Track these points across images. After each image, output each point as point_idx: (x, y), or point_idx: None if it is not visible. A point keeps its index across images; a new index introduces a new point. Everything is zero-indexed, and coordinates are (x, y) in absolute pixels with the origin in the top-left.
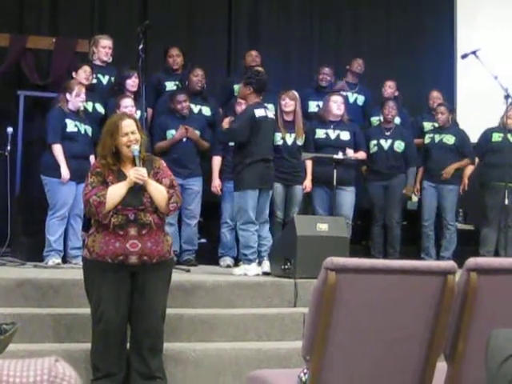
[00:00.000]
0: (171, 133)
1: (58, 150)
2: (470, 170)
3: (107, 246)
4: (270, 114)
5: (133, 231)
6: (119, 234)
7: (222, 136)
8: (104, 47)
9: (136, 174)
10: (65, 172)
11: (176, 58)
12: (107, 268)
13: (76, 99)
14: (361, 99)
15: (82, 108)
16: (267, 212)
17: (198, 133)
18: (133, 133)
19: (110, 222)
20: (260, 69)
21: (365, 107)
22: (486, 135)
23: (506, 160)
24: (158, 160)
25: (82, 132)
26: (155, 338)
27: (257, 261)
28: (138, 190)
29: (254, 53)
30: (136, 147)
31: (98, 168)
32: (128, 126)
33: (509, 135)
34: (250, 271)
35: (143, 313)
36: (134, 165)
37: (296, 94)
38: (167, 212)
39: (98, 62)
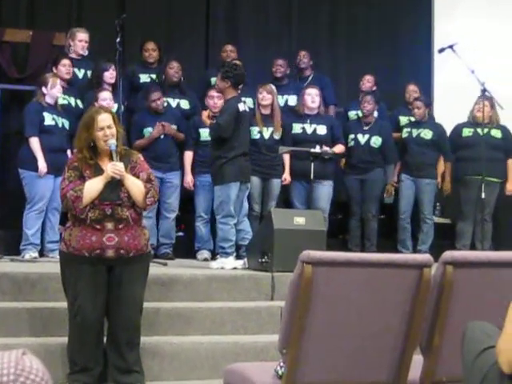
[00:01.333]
0: (148, 130)
1: (35, 143)
2: (442, 165)
3: (84, 239)
4: (247, 108)
5: (110, 225)
6: (96, 227)
7: (210, 131)
8: (81, 40)
9: (113, 168)
10: (42, 165)
11: (151, 52)
12: (84, 261)
13: (52, 91)
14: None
15: (60, 100)
16: (247, 205)
17: (174, 127)
18: (109, 127)
19: (87, 216)
20: (237, 62)
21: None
22: (457, 131)
23: (477, 154)
24: (135, 154)
25: (60, 125)
26: (132, 332)
27: (234, 254)
28: (115, 184)
29: (229, 47)
30: (113, 141)
31: (74, 162)
32: (104, 120)
33: (478, 129)
34: (227, 264)
35: (120, 306)
36: (111, 159)
37: (273, 87)
38: (144, 206)
39: (73, 55)
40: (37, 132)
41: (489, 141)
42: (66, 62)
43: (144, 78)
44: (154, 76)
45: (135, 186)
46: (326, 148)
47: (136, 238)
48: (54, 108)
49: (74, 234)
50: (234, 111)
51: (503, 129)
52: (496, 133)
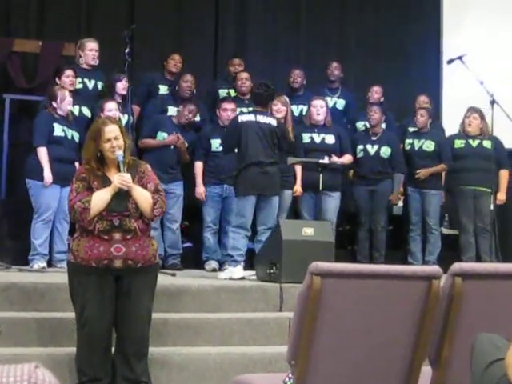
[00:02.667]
0: (162, 135)
1: (42, 153)
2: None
3: (92, 250)
4: (265, 119)
5: (117, 236)
6: (104, 238)
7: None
8: (91, 50)
9: (120, 179)
10: (47, 176)
11: (178, 62)
12: (92, 272)
13: (63, 104)
14: (341, 103)
15: (70, 111)
16: (272, 218)
17: (186, 145)
18: (116, 138)
19: (95, 227)
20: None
21: (346, 111)
22: (449, 142)
23: (470, 165)
24: (143, 164)
25: (69, 137)
26: (141, 343)
27: (242, 264)
28: (122, 195)
29: (236, 61)
30: (120, 153)
31: (82, 173)
32: (111, 131)
33: (470, 140)
34: (236, 274)
35: (129, 317)
36: (119, 170)
37: (287, 99)
38: (152, 217)
39: (84, 66)
40: (45, 142)
41: (481, 152)
42: (69, 72)
43: (164, 89)
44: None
45: (143, 197)
46: (334, 158)
47: (144, 249)
48: (65, 119)
49: (82, 244)
50: (233, 124)
51: (495, 140)
52: (488, 144)
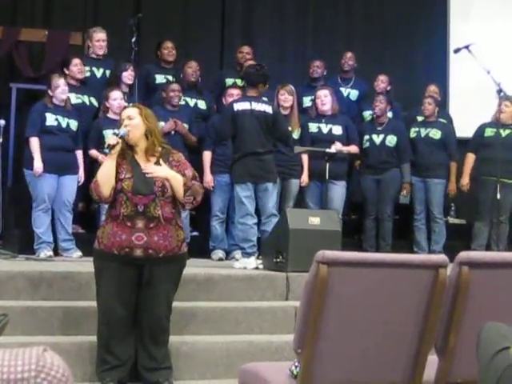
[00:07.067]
0: (160, 124)
1: (33, 142)
2: (454, 168)
3: (114, 237)
4: (260, 107)
5: (140, 224)
6: (127, 225)
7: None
8: (98, 41)
9: (112, 139)
10: (37, 165)
11: (171, 49)
12: (113, 259)
13: (56, 93)
14: (354, 94)
15: (73, 100)
16: (270, 206)
17: (186, 126)
18: (129, 118)
19: (120, 212)
20: (253, 63)
21: (359, 101)
22: (480, 130)
23: (497, 155)
24: (176, 153)
25: (64, 126)
26: (158, 332)
27: (256, 254)
28: (148, 178)
29: (245, 49)
30: (123, 129)
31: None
32: (126, 113)
33: (501, 130)
34: (250, 264)
35: (147, 307)
36: (148, 155)
37: (293, 88)
38: (182, 198)
39: (93, 56)
40: (36, 132)
41: (508, 141)
42: (76, 61)
43: (160, 78)
44: (170, 77)
45: (175, 180)
46: (337, 144)
47: (167, 239)
48: (62, 108)
49: (106, 231)
50: (228, 113)
51: None
52: None
